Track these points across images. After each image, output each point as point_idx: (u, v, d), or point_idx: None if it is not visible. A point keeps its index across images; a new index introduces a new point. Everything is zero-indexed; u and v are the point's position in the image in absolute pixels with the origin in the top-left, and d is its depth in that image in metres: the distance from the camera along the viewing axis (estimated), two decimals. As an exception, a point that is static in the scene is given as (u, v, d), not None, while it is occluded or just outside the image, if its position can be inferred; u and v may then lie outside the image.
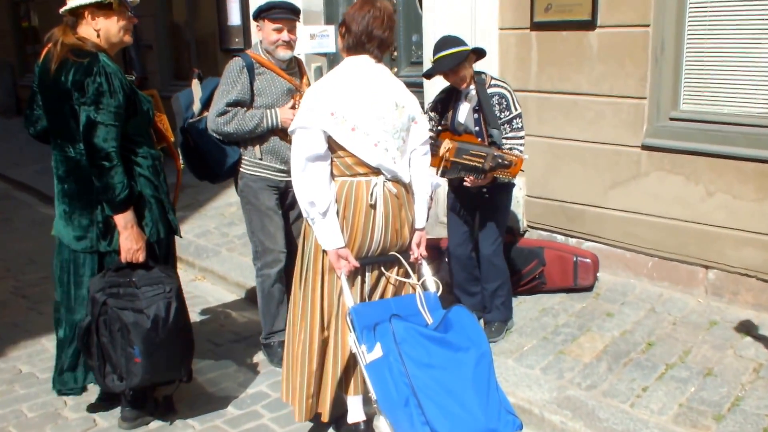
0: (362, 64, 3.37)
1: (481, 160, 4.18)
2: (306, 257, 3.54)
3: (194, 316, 5.38)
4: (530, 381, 4.17)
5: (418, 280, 3.53)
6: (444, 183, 4.43)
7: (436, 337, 3.11)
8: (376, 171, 3.35)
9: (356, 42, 3.35)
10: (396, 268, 3.56)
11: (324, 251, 3.40)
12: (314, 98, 3.29)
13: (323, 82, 3.37)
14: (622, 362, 4.31)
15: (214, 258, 6.59)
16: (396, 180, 3.42)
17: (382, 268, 3.54)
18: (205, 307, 5.74)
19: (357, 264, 3.37)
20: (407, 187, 3.49)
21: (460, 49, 4.28)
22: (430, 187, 3.61)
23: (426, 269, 3.58)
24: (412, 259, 3.56)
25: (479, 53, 4.44)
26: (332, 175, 3.34)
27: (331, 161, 3.32)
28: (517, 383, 4.16)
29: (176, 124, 4.47)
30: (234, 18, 8.62)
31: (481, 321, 4.81)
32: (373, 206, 3.35)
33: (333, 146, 3.30)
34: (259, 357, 4.78)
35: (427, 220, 3.67)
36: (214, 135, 4.32)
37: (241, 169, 4.44)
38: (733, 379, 4.07)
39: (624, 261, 5.44)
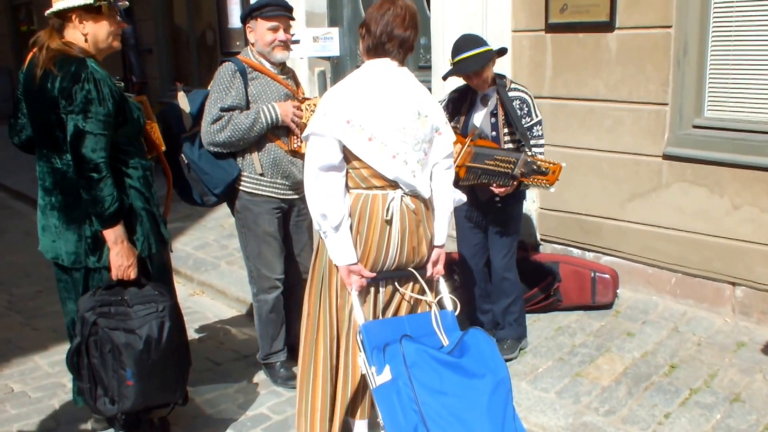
0: (383, 68, 3.20)
1: (510, 166, 3.97)
2: (321, 272, 3.41)
3: (192, 333, 5.32)
4: (544, 405, 4.01)
5: (435, 298, 3.38)
6: (465, 197, 4.19)
7: (450, 362, 2.98)
8: (394, 184, 3.19)
9: (376, 43, 3.18)
10: (411, 285, 3.41)
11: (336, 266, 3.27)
12: (330, 103, 3.14)
13: (341, 87, 3.21)
14: (643, 386, 4.13)
15: (213, 272, 6.46)
16: (415, 195, 3.25)
17: (397, 284, 3.38)
18: (204, 324, 5.60)
19: (371, 275, 3.23)
20: (427, 203, 3.32)
21: (485, 49, 4.11)
22: (452, 203, 3.44)
23: (443, 286, 3.44)
24: (428, 275, 3.40)
25: (502, 54, 4.25)
26: (347, 187, 3.19)
27: (347, 172, 3.17)
28: (530, 408, 4.00)
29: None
30: (234, 20, 8.51)
31: (494, 339, 4.56)
32: (389, 222, 3.20)
33: (348, 156, 3.14)
34: (260, 377, 4.63)
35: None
36: (210, 148, 4.06)
37: (239, 188, 4.17)
38: (763, 405, 3.88)
39: (645, 277, 5.23)
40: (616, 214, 5.26)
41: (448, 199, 3.39)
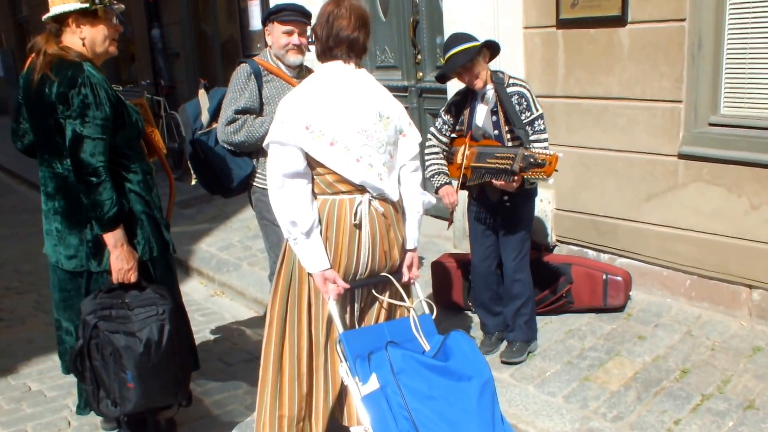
0: (339, 70, 3.17)
1: (509, 162, 3.94)
2: (287, 280, 3.33)
3: (208, 334, 5.42)
4: (551, 410, 3.94)
5: (412, 303, 3.36)
6: (434, 200, 4.16)
7: (437, 366, 2.95)
8: (361, 189, 3.15)
9: (324, 48, 3.17)
10: (388, 291, 3.37)
11: (309, 274, 3.21)
12: (287, 110, 3.09)
13: (297, 92, 3.17)
14: (653, 391, 4.03)
15: (234, 272, 6.52)
16: (383, 198, 3.20)
17: (373, 291, 3.34)
18: (220, 324, 5.64)
19: (346, 286, 3.18)
20: (396, 206, 3.27)
21: (472, 44, 4.07)
22: (421, 206, 3.38)
23: (419, 291, 3.41)
24: (404, 280, 3.36)
25: (493, 48, 4.20)
26: (314, 193, 3.15)
27: (312, 178, 3.13)
28: (537, 412, 3.93)
29: (185, 135, 4.42)
30: (255, 23, 8.57)
31: (504, 341, 4.63)
32: (358, 226, 3.15)
33: (312, 162, 3.09)
34: None
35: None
36: (225, 146, 4.21)
37: (253, 184, 4.35)
38: None
39: (660, 279, 5.10)
40: (631, 215, 5.15)
41: (416, 201, 3.35)
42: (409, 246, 3.36)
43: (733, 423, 3.68)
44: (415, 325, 3.19)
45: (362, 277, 3.25)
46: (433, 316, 3.29)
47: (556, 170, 3.80)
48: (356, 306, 3.32)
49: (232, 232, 7.67)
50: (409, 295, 3.38)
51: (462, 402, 2.87)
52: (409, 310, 3.29)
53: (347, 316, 3.30)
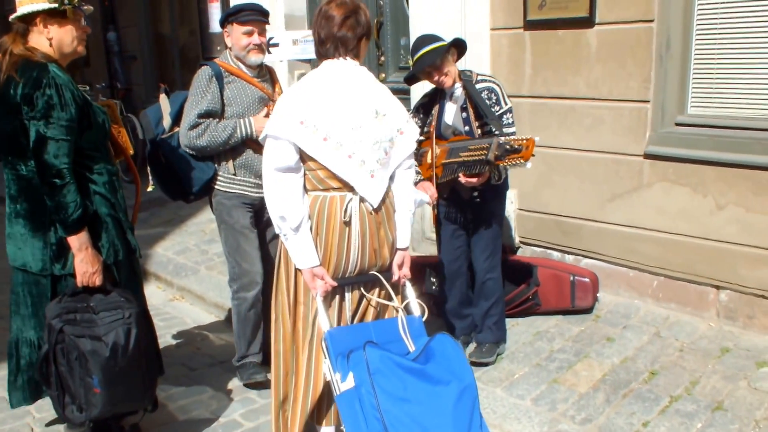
0: (339, 67, 3.17)
1: (483, 152, 3.91)
2: (285, 275, 3.33)
3: (169, 339, 5.37)
4: (519, 413, 3.91)
5: (401, 303, 3.32)
6: (428, 198, 4.18)
7: (415, 369, 2.92)
8: (352, 186, 3.13)
9: (317, 46, 3.20)
10: (378, 290, 3.35)
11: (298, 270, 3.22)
12: (284, 105, 3.10)
13: (295, 87, 3.19)
14: (622, 393, 4.01)
15: (193, 277, 6.45)
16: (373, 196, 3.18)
17: (363, 290, 3.33)
18: (182, 329, 5.59)
19: (334, 284, 3.18)
20: (387, 204, 3.25)
21: (440, 44, 4.10)
22: (414, 204, 3.37)
23: (410, 291, 3.35)
24: (393, 279, 3.32)
25: (460, 46, 4.21)
26: (305, 189, 3.16)
27: (304, 174, 3.14)
28: (505, 415, 3.91)
29: (146, 140, 4.38)
30: (215, 26, 8.47)
31: (472, 343, 4.59)
32: (348, 224, 3.15)
33: (304, 157, 3.10)
34: (234, 383, 4.61)
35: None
36: (188, 150, 4.19)
37: (215, 187, 4.31)
38: (746, 414, 3.74)
39: (626, 280, 5.08)
40: (596, 215, 5.13)
41: (409, 200, 3.34)
42: (400, 245, 3.34)
43: (701, 424, 3.68)
44: (402, 326, 3.17)
45: (352, 275, 3.25)
46: (424, 318, 3.26)
47: (533, 155, 3.78)
48: (346, 304, 3.30)
49: (188, 236, 7.58)
50: (399, 294, 3.35)
51: (437, 406, 2.84)
52: (397, 310, 3.26)
53: (336, 314, 3.28)
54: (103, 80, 11.16)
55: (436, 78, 4.13)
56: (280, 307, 3.36)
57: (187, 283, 6.31)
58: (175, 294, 6.35)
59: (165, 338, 5.30)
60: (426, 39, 4.15)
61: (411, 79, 4.36)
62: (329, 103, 3.06)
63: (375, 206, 3.17)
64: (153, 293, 6.34)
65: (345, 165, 3.07)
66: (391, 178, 3.27)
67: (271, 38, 5.89)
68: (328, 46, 3.13)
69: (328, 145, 3.04)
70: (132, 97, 10.47)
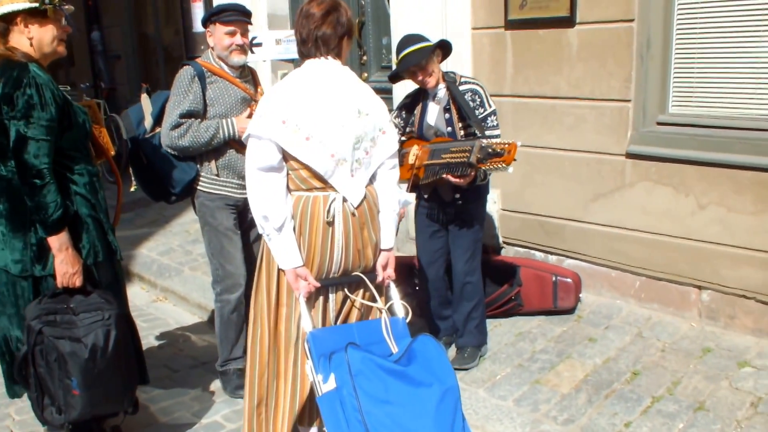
0: (322, 67, 3.15)
1: (466, 154, 3.88)
2: (266, 275, 3.32)
3: (152, 340, 5.37)
4: (501, 414, 3.90)
5: (385, 304, 3.31)
6: (412, 199, 4.12)
7: (396, 371, 2.91)
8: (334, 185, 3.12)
9: (299, 46, 3.18)
10: (362, 291, 3.33)
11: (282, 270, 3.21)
12: (267, 104, 3.09)
13: (277, 87, 3.17)
14: (604, 394, 4.01)
15: (176, 277, 6.43)
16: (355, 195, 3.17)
17: (347, 291, 3.31)
18: (165, 330, 5.58)
19: (317, 284, 3.17)
20: (371, 204, 3.23)
21: (426, 44, 4.09)
22: (398, 204, 3.35)
23: (394, 292, 3.36)
24: (378, 280, 3.31)
25: (445, 48, 4.21)
26: (288, 189, 3.14)
27: (287, 173, 3.12)
28: (487, 416, 3.90)
29: (127, 140, 4.34)
30: (198, 25, 8.30)
31: (453, 346, 4.56)
32: (331, 224, 3.14)
33: (287, 157, 3.09)
34: (216, 385, 4.60)
35: (396, 234, 3.45)
36: (169, 151, 4.14)
37: (198, 188, 4.27)
38: (728, 414, 3.74)
39: (609, 280, 5.07)
40: (578, 215, 5.11)
41: (392, 200, 3.32)
42: (385, 245, 3.32)
43: (683, 425, 3.67)
44: (386, 327, 3.16)
45: (336, 275, 3.23)
46: (408, 319, 3.26)
47: (515, 159, 3.76)
48: (330, 305, 3.28)
49: (173, 236, 7.56)
50: (383, 295, 3.33)
51: (419, 408, 2.84)
52: (381, 312, 3.25)
53: (320, 315, 3.26)
54: (88, 80, 11.12)
55: (420, 78, 4.11)
56: (260, 308, 3.33)
57: (170, 284, 6.30)
58: (159, 295, 6.33)
59: (148, 339, 5.28)
60: (412, 38, 4.14)
61: (395, 78, 4.34)
62: (311, 103, 3.04)
63: (355, 206, 3.15)
64: (137, 294, 6.35)
65: (327, 164, 3.06)
66: (374, 177, 3.26)
67: (254, 38, 5.87)
68: (309, 46, 3.11)
69: (311, 145, 3.03)
70: (116, 96, 10.43)
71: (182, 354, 5.11)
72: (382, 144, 3.22)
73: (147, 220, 8.07)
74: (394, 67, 5.91)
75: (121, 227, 7.57)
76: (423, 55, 4.02)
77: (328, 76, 3.11)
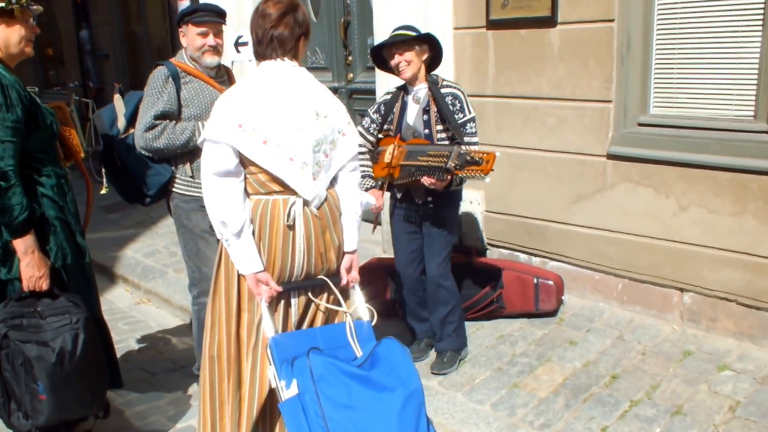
0: (277, 69, 3.09)
1: (443, 159, 3.85)
2: (223, 280, 3.24)
3: (132, 343, 5.32)
4: (478, 418, 3.87)
5: (350, 308, 3.27)
6: (374, 201, 4.11)
7: (359, 375, 2.87)
8: (294, 189, 3.05)
9: (255, 47, 3.13)
10: (326, 295, 3.27)
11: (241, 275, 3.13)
12: (222, 107, 3.01)
13: (234, 90, 3.09)
14: (582, 398, 3.98)
15: (160, 279, 6.39)
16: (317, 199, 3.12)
17: (310, 295, 3.24)
18: (146, 333, 5.52)
19: (279, 289, 3.10)
20: (332, 207, 3.18)
21: (412, 34, 4.09)
22: (360, 207, 3.30)
23: (359, 295, 3.30)
24: (342, 283, 3.27)
25: (434, 49, 4.15)
26: (246, 193, 3.07)
27: (245, 177, 3.06)
28: (464, 420, 3.87)
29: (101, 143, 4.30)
30: (184, 24, 8.31)
31: (432, 350, 4.53)
32: (291, 227, 3.06)
33: (245, 161, 3.01)
34: (194, 389, 4.54)
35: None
36: (144, 153, 4.09)
37: (173, 190, 4.23)
38: (705, 419, 3.71)
39: (592, 283, 5.03)
40: (561, 217, 5.07)
41: (355, 202, 3.26)
42: (348, 248, 3.27)
43: (660, 429, 3.65)
44: (350, 331, 3.12)
45: (298, 279, 3.17)
46: (373, 322, 3.21)
47: (493, 169, 3.72)
48: (292, 310, 3.21)
49: (159, 237, 7.52)
50: (347, 299, 3.29)
51: (382, 413, 2.79)
52: (346, 315, 3.21)
53: (282, 320, 3.20)
54: (77, 79, 11.06)
55: (396, 60, 4.07)
56: (217, 313, 3.26)
57: (154, 286, 6.25)
58: (143, 297, 6.29)
59: (127, 342, 5.26)
60: (410, 26, 4.15)
61: (378, 51, 4.26)
62: (268, 106, 2.98)
63: (317, 209, 3.11)
64: (120, 296, 6.34)
65: (286, 168, 3.00)
66: (335, 180, 3.22)
67: (240, 36, 5.83)
68: (265, 47, 3.05)
69: (268, 148, 2.97)
70: (104, 96, 10.34)
71: (161, 357, 5.07)
72: (342, 146, 3.18)
73: (134, 221, 8.03)
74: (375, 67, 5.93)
75: (107, 228, 7.64)
76: (405, 39, 4.02)
77: (285, 78, 3.06)
